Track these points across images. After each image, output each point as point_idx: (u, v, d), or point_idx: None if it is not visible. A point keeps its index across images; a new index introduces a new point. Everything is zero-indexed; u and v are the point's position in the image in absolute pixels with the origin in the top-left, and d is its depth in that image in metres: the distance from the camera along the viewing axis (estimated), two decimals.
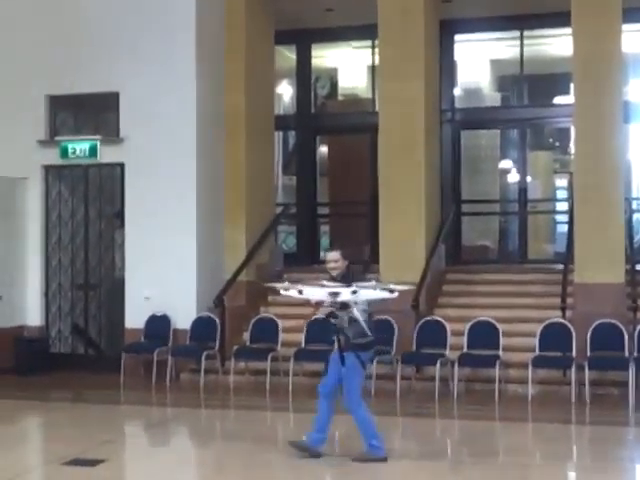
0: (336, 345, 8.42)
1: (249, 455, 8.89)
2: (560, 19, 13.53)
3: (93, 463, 8.40)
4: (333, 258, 8.51)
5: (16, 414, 11.14)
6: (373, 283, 8.52)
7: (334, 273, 8.45)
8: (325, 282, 8.42)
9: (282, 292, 8.48)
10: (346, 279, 8.33)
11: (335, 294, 8.05)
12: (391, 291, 8.20)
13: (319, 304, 8.43)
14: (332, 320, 8.34)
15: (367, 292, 8.21)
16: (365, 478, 8.34)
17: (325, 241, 17.22)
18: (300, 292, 8.26)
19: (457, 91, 16.06)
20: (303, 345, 12.25)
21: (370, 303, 8.39)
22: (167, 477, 8.27)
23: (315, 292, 8.26)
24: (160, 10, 13.42)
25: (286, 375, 11.95)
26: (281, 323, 12.59)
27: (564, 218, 15.92)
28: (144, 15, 13.47)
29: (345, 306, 8.21)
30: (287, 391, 11.77)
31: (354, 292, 8.07)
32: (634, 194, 15.57)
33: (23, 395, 12.08)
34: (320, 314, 8.65)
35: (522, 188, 15.64)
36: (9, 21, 13.92)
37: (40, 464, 9.04)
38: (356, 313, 8.21)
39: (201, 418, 11.21)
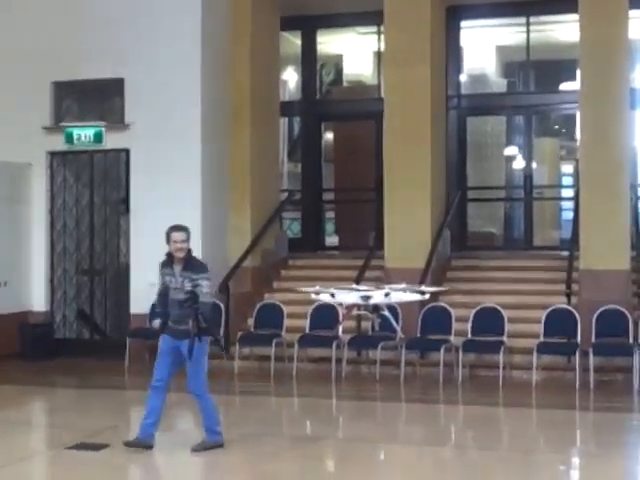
0: (191, 329, 8.12)
1: (253, 440, 8.90)
2: (567, 5, 13.46)
3: (97, 448, 8.44)
4: (181, 238, 8.24)
5: (21, 399, 11.17)
6: (404, 285, 8.59)
7: (180, 255, 8.22)
8: (355, 285, 8.50)
9: (313, 296, 8.52)
10: (187, 264, 8.22)
11: (367, 297, 8.10)
12: (422, 293, 8.31)
13: (351, 307, 8.49)
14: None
15: (399, 294, 8.32)
16: (370, 462, 8.35)
17: (330, 227, 17.22)
18: (332, 295, 8.29)
19: (463, 77, 15.99)
20: (307, 331, 12.26)
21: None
22: (171, 462, 8.29)
23: (347, 296, 8.32)
24: None
25: (290, 361, 11.96)
26: (286, 309, 12.59)
27: (570, 205, 15.89)
28: (150, 1, 13.42)
29: (377, 308, 8.30)
30: (291, 377, 11.79)
31: (387, 294, 8.13)
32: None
33: (28, 380, 12.11)
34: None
35: (528, 175, 15.61)
36: (14, 7, 13.89)
37: (44, 449, 9.07)
38: (388, 314, 8.32)
39: None
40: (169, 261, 8.36)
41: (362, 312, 8.70)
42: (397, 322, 8.52)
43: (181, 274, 8.24)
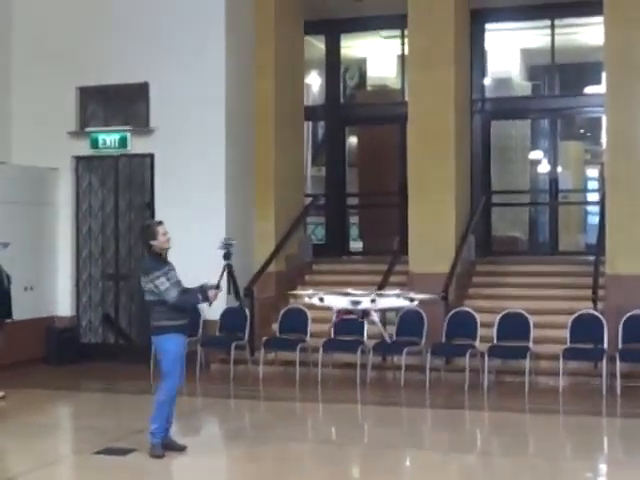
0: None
1: (279, 445, 8.90)
2: (592, 8, 13.39)
3: (124, 452, 8.46)
4: (166, 231, 8.42)
5: (47, 404, 11.22)
6: (397, 291, 8.73)
7: (168, 245, 8.42)
8: (350, 290, 8.58)
9: (306, 300, 8.58)
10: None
11: (357, 303, 8.23)
12: (411, 300, 8.39)
13: (341, 312, 8.60)
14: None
15: (386, 300, 8.46)
16: (396, 468, 8.33)
17: (354, 232, 17.21)
18: (321, 300, 8.44)
19: (487, 81, 15.95)
20: (332, 336, 12.24)
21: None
22: (196, 467, 8.30)
23: (337, 300, 8.44)
24: (189, 1, 13.41)
25: (315, 366, 11.94)
26: (310, 314, 12.57)
27: (595, 209, 15.79)
28: (174, 5, 13.48)
29: (366, 313, 8.41)
30: (316, 382, 11.77)
31: (373, 301, 8.26)
32: None
33: (54, 385, 12.16)
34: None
35: (553, 179, 15.53)
36: (41, 13, 13.98)
37: (71, 453, 9.10)
38: (376, 319, 8.41)
39: (231, 408, 11.25)
40: (162, 258, 8.40)
41: (352, 317, 8.74)
42: (385, 325, 8.66)
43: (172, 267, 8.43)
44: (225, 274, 8.65)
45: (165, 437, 8.45)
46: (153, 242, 8.35)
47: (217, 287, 8.51)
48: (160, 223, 8.51)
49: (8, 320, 11.40)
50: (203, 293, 8.50)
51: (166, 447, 8.40)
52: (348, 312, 8.67)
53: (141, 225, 8.69)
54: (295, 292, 8.75)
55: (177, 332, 8.51)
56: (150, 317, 8.54)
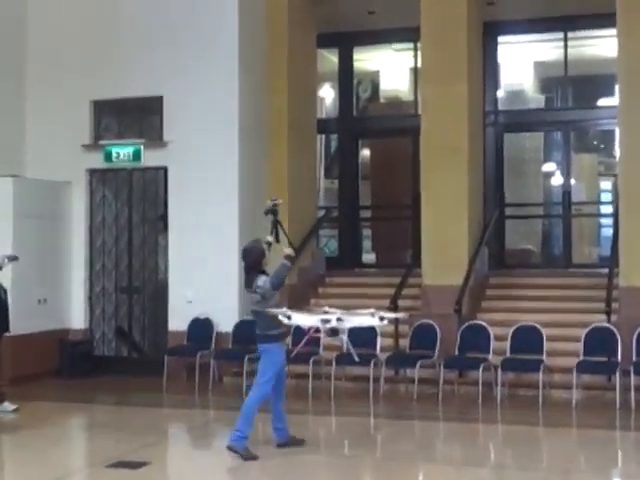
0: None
1: (290, 458, 8.88)
2: (604, 20, 13.38)
3: (136, 466, 8.46)
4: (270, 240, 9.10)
5: (61, 416, 11.24)
6: (371, 310, 8.81)
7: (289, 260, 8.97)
8: (327, 309, 8.70)
9: (280, 317, 8.74)
10: None
11: (326, 321, 8.43)
12: (381, 319, 8.46)
13: (311, 330, 8.83)
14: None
15: (355, 319, 8.65)
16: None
17: (367, 245, 17.20)
18: (288, 318, 8.61)
19: (500, 93, 15.95)
20: (345, 351, 12.21)
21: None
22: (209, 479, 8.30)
23: (306, 319, 8.71)
24: (203, 14, 13.47)
25: (328, 379, 11.93)
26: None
27: (609, 221, 15.75)
28: (188, 19, 13.53)
29: (335, 332, 8.61)
30: (329, 395, 11.76)
31: (339, 319, 8.45)
32: None
33: (67, 397, 12.19)
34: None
35: (566, 191, 15.49)
36: (55, 27, 14.06)
37: (84, 466, 9.11)
38: (345, 338, 8.63)
39: None
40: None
41: (321, 335, 8.98)
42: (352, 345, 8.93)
43: None
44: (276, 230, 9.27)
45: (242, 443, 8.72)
46: (263, 260, 9.05)
47: (273, 242, 9.17)
48: (269, 244, 9.17)
49: (7, 334, 11.31)
50: (285, 258, 8.89)
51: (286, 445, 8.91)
52: (317, 330, 8.80)
53: (244, 247, 9.31)
54: (270, 310, 8.84)
55: (281, 340, 8.98)
56: (257, 326, 8.97)
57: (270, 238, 9.16)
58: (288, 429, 9.09)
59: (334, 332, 8.57)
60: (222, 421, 11.21)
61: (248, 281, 9.02)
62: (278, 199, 9.36)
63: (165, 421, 11.28)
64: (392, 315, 8.81)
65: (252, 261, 9.05)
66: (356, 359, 9.34)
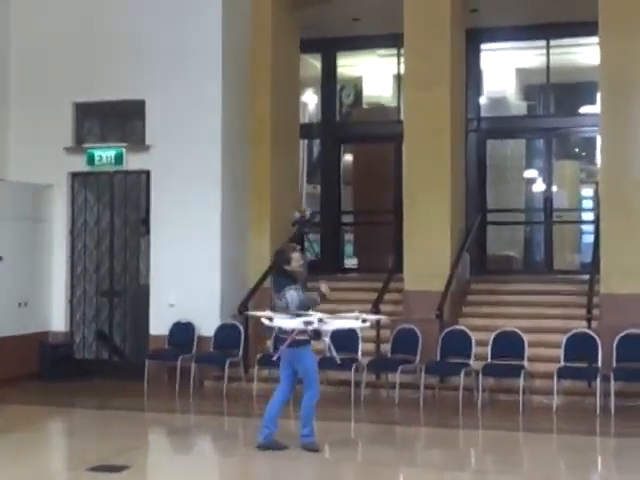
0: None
1: (272, 463, 8.88)
2: (587, 28, 13.47)
3: (117, 469, 8.42)
4: (300, 257, 9.17)
5: (40, 420, 11.19)
6: (355, 313, 8.92)
7: (301, 269, 9.12)
8: (311, 312, 8.85)
9: (262, 320, 8.86)
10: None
11: (309, 323, 8.47)
12: (363, 321, 8.54)
13: (294, 332, 8.83)
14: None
15: (337, 321, 8.73)
16: None
17: (349, 249, 17.22)
18: (270, 320, 8.70)
19: (483, 100, 16.02)
20: (327, 354, 12.20)
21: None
22: None
23: (288, 321, 8.72)
24: (186, 18, 13.46)
25: None
26: None
27: (590, 228, 15.82)
28: (170, 23, 13.50)
29: (318, 334, 8.74)
30: None
31: (320, 320, 8.53)
32: None
33: (47, 401, 12.13)
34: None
35: (548, 198, 15.57)
36: (38, 30, 14.01)
37: (64, 470, 9.06)
38: (327, 340, 8.79)
39: (224, 425, 11.22)
40: (292, 278, 9.09)
41: (304, 338, 8.95)
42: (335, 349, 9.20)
43: None
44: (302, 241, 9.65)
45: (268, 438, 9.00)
46: (286, 267, 9.05)
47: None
48: (295, 249, 9.31)
49: None
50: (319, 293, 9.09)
51: (268, 447, 8.92)
52: (300, 332, 8.83)
53: (276, 249, 9.61)
54: (252, 313, 8.90)
55: (309, 344, 9.03)
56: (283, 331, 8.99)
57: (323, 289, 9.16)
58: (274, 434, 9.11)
59: (317, 334, 8.62)
60: (203, 425, 11.20)
61: (277, 286, 9.15)
62: (306, 211, 9.41)
63: (146, 425, 11.26)
64: (374, 317, 8.85)
65: (276, 266, 9.30)
66: (338, 361, 9.39)
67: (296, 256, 9.13)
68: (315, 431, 9.10)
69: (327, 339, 8.71)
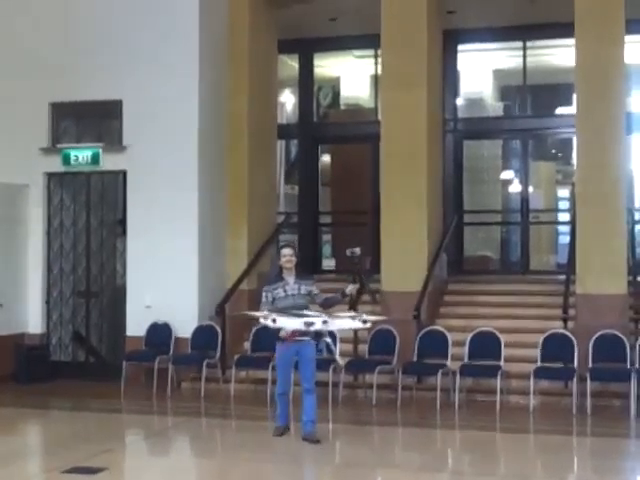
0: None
1: (249, 464, 8.87)
2: (563, 30, 13.53)
3: (93, 471, 8.38)
4: (290, 253, 9.53)
5: (16, 422, 11.12)
6: (352, 313, 9.08)
7: (288, 265, 9.47)
8: (306, 311, 8.75)
9: (261, 321, 8.93)
10: (297, 273, 9.52)
11: (310, 324, 8.39)
12: (364, 322, 8.55)
13: (295, 333, 9.02)
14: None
15: (339, 322, 8.82)
16: None
17: (327, 250, 17.21)
18: (274, 321, 8.74)
19: (460, 101, 16.06)
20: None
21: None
22: None
23: (289, 322, 8.84)
24: (163, 18, 13.42)
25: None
26: None
27: (566, 229, 15.90)
28: (147, 23, 13.46)
29: (319, 335, 8.83)
30: None
31: (324, 322, 8.57)
32: (636, 205, 15.54)
33: (23, 403, 12.05)
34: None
35: (524, 198, 15.64)
36: (12, 28, 13.93)
37: (39, 472, 9.01)
38: (329, 340, 8.88)
39: (202, 427, 11.19)
40: (281, 275, 9.58)
41: (305, 338, 9.11)
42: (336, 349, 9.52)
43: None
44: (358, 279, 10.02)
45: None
46: (278, 262, 9.61)
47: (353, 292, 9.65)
48: (286, 246, 9.81)
49: None
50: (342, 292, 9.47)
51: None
52: (302, 333, 8.85)
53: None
54: (250, 313, 8.96)
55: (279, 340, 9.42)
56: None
57: (349, 289, 9.48)
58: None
59: (318, 335, 8.61)
60: (180, 427, 11.17)
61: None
62: (356, 249, 9.59)
63: (123, 427, 11.21)
64: (373, 318, 8.89)
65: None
66: (340, 363, 9.52)
67: (284, 251, 9.54)
68: (282, 417, 9.64)
69: (328, 339, 8.72)
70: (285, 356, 9.48)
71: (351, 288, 9.44)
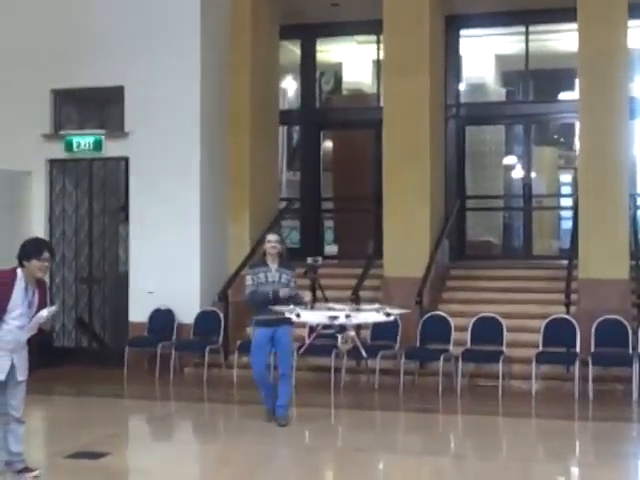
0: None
1: (252, 449, 8.90)
2: (565, 14, 13.50)
3: (96, 456, 8.42)
4: (275, 239, 9.51)
5: None
6: (376, 306, 8.97)
7: (272, 251, 9.45)
8: (330, 304, 8.77)
9: (287, 314, 8.83)
10: (281, 260, 9.51)
11: (334, 318, 8.43)
12: (388, 314, 8.53)
13: (318, 327, 9.00)
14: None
15: (362, 315, 8.75)
16: (369, 472, 8.35)
17: (329, 236, 17.22)
18: (298, 316, 8.69)
19: (462, 86, 16.02)
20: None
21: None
22: (170, 471, 8.27)
23: (314, 316, 8.81)
24: (165, 3, 13.41)
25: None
26: None
27: (568, 214, 15.90)
28: (150, 9, 13.45)
29: (343, 329, 8.69)
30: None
31: (348, 316, 8.46)
32: (639, 190, 15.52)
33: (26, 389, 12.04)
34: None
35: (526, 184, 15.62)
36: (14, 15, 13.90)
37: (43, 457, 9.02)
38: (353, 334, 8.75)
39: (204, 412, 11.22)
40: (264, 261, 9.59)
41: (328, 331, 9.04)
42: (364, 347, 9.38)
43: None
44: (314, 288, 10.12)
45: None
46: (264, 246, 9.62)
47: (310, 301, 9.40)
48: (272, 233, 9.86)
49: None
50: (274, 292, 9.35)
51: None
52: (325, 327, 8.82)
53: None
54: (274, 308, 8.97)
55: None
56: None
57: (307, 298, 9.40)
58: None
59: (342, 329, 8.61)
60: (182, 412, 11.20)
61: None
62: (318, 258, 9.58)
63: (126, 412, 11.23)
64: (397, 311, 8.91)
65: None
66: (364, 355, 9.57)
67: (270, 237, 9.56)
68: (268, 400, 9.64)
69: (352, 333, 8.71)
70: (261, 340, 9.50)
71: (308, 299, 9.36)
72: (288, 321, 9.20)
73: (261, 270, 9.46)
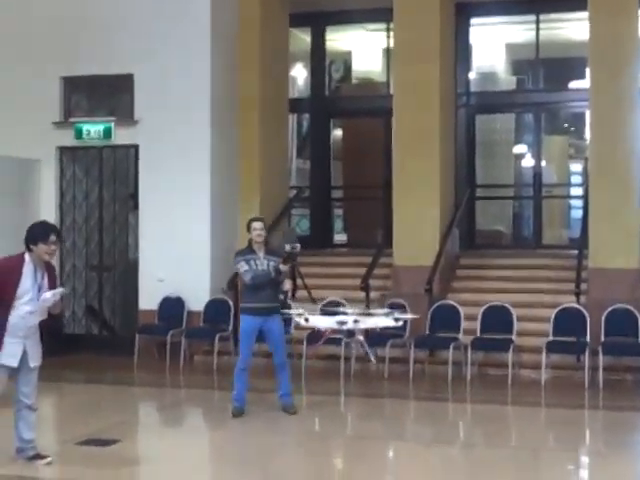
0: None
1: (261, 436, 8.92)
2: (576, 3, 13.42)
3: (107, 443, 8.45)
4: (260, 227, 9.52)
5: None
6: (385, 310, 8.98)
7: (259, 239, 9.46)
8: (342, 308, 8.81)
9: (295, 319, 8.84)
10: (267, 248, 9.54)
11: (342, 322, 8.43)
12: (396, 320, 8.55)
13: (327, 331, 8.85)
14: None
15: (371, 320, 8.66)
16: (379, 460, 8.36)
17: (339, 225, 17.21)
18: (306, 320, 8.62)
19: (472, 75, 15.96)
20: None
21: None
22: (180, 458, 8.29)
23: (322, 321, 8.72)
24: None
25: (299, 358, 11.93)
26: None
27: (579, 203, 15.85)
28: None
29: (352, 334, 8.71)
30: (300, 374, 11.75)
31: (356, 321, 8.44)
32: None
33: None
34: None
35: (537, 173, 15.56)
36: (23, 3, 13.90)
37: (54, 444, 9.04)
38: (361, 339, 8.70)
39: (214, 399, 11.24)
40: (251, 248, 9.54)
41: (338, 336, 9.18)
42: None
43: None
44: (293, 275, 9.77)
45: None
46: (249, 235, 9.53)
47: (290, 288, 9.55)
48: (256, 220, 9.67)
49: None
50: (276, 270, 9.37)
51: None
52: (334, 331, 8.83)
53: None
54: (284, 311, 9.02)
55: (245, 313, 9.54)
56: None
57: (287, 286, 9.47)
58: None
59: (350, 334, 8.63)
60: (192, 399, 11.24)
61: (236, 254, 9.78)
62: (297, 245, 9.50)
63: (136, 399, 11.27)
64: (406, 316, 8.94)
65: None
66: (373, 360, 9.56)
67: (255, 225, 9.51)
68: (241, 397, 9.56)
69: (361, 337, 8.71)
70: (250, 328, 9.48)
71: (288, 287, 9.43)
72: (277, 310, 9.32)
73: (249, 258, 9.45)
